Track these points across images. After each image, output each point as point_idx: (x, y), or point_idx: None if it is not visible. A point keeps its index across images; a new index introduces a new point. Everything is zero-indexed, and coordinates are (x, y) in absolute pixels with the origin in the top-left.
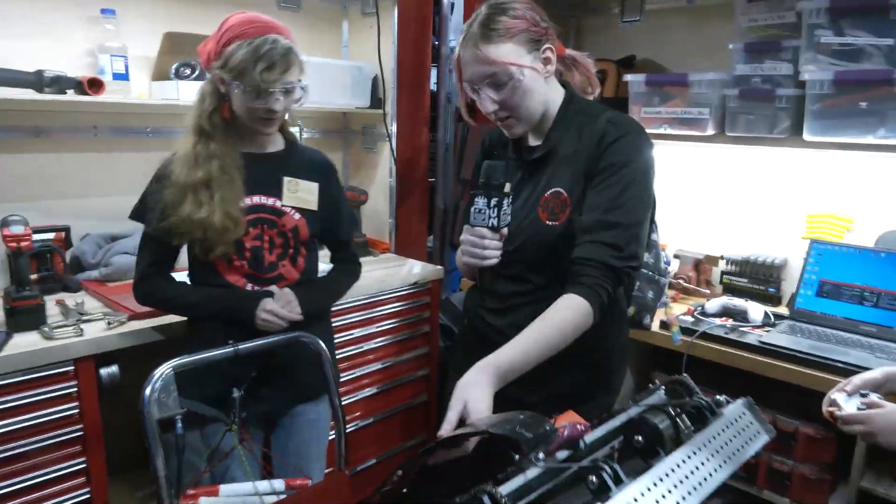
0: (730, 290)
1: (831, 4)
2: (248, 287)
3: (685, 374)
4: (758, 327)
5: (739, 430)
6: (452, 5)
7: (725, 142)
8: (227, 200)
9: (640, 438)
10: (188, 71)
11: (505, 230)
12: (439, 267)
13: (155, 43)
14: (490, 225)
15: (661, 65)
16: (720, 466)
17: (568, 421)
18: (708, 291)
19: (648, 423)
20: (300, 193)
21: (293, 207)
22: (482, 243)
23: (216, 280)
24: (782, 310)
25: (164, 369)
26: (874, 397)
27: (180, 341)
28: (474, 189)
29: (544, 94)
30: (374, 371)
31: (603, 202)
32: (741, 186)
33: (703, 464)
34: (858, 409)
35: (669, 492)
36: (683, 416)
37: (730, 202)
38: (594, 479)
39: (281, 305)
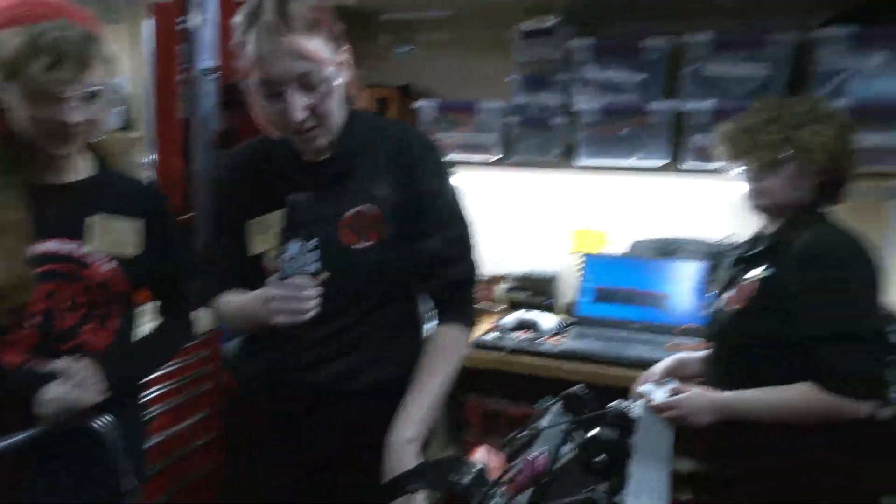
0: (513, 304)
1: (596, 44)
2: (34, 363)
3: (581, 386)
4: (553, 336)
5: (654, 429)
6: (203, 21)
7: (508, 166)
8: (8, 252)
9: (601, 458)
10: None
11: (324, 274)
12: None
13: None
14: (308, 272)
15: (436, 94)
16: (663, 466)
17: (484, 453)
18: (499, 309)
19: (605, 439)
20: (114, 235)
21: (103, 253)
22: (302, 295)
23: None
24: (563, 317)
25: None
26: (675, 384)
27: None
28: (278, 233)
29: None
30: (150, 447)
31: (439, 224)
32: (517, 207)
33: (656, 469)
34: (666, 396)
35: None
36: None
37: (505, 222)
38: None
39: (70, 386)
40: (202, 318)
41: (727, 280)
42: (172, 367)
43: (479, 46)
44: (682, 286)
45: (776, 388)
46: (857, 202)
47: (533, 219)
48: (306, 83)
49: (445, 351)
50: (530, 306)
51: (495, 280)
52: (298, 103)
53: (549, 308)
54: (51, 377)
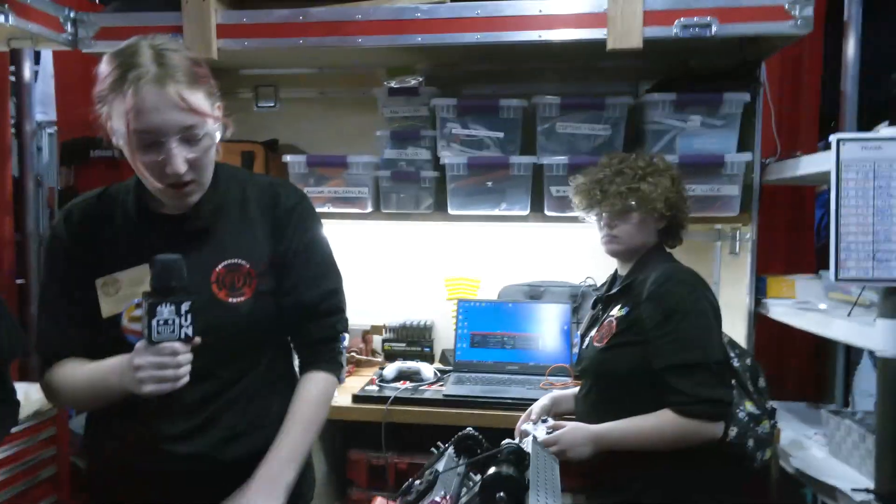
0: (390, 355)
1: (458, 104)
2: None
3: (470, 428)
4: (433, 383)
5: (543, 462)
6: (36, 73)
7: (381, 218)
8: None
9: (502, 495)
10: None
11: (198, 338)
12: None
13: None
14: (182, 336)
15: (302, 149)
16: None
17: None
18: (379, 360)
19: (506, 475)
20: None
21: None
22: (175, 361)
23: None
24: (438, 365)
25: None
26: (551, 421)
27: None
28: (147, 296)
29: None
30: None
31: (312, 277)
32: (392, 258)
33: (552, 500)
34: (547, 432)
35: None
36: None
37: (382, 274)
38: None
39: None
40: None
41: (591, 320)
42: (13, 450)
43: (344, 103)
44: (550, 327)
45: (640, 417)
46: (692, 242)
47: (407, 269)
48: (189, 136)
49: (316, 397)
50: (408, 356)
51: (373, 331)
52: (180, 156)
53: (427, 356)
54: None
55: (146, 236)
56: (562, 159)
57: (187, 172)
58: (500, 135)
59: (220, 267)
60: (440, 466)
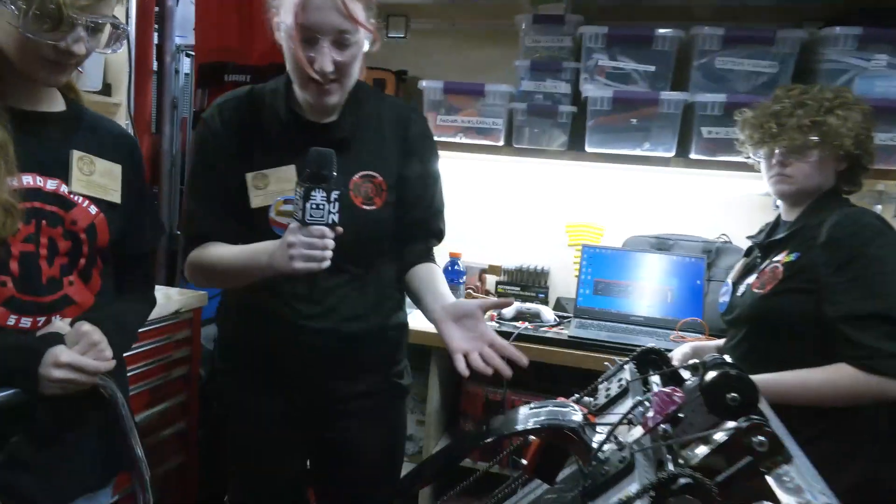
0: (504, 297)
1: (608, 32)
2: (11, 321)
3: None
4: (553, 326)
5: None
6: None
7: (512, 154)
8: None
9: (735, 395)
10: None
11: (340, 228)
12: (202, 291)
13: None
14: (330, 222)
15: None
16: None
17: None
18: (495, 299)
19: (734, 375)
20: (96, 177)
21: (87, 197)
22: (323, 243)
23: None
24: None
25: None
26: None
27: None
28: (303, 181)
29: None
30: None
31: (429, 198)
32: (514, 199)
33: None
34: None
35: None
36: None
37: (502, 214)
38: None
39: (82, 351)
40: (186, 297)
41: (745, 267)
42: (148, 346)
43: (475, 35)
44: (681, 281)
45: (805, 370)
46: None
47: (528, 211)
48: (341, 40)
49: (439, 273)
50: (522, 300)
51: (494, 270)
52: (329, 55)
53: (541, 303)
54: (55, 339)
55: (293, 139)
56: (718, 97)
57: (333, 73)
58: (651, 68)
59: (357, 176)
60: (624, 378)
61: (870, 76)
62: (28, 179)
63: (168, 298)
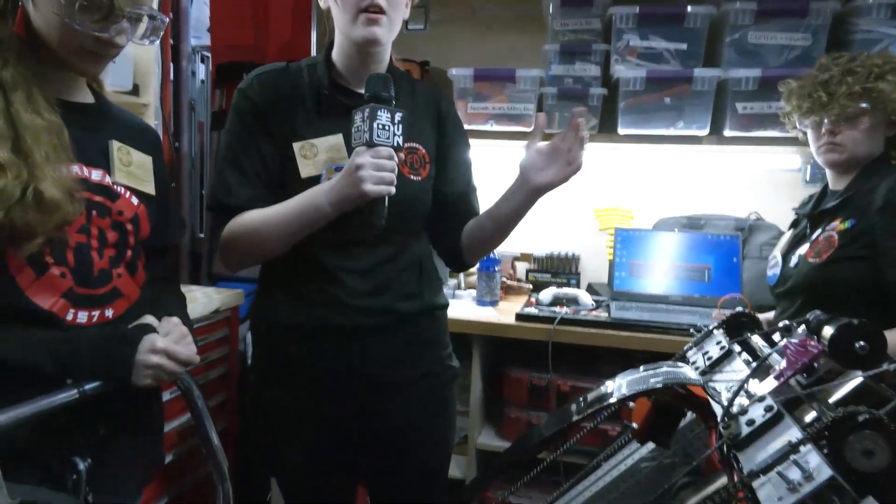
0: (535, 285)
1: (640, 12)
2: (70, 316)
3: (739, 308)
4: (593, 310)
5: None
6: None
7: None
8: (51, 157)
9: (864, 343)
10: None
11: (402, 153)
12: (238, 290)
13: None
14: (395, 144)
15: None
16: None
17: None
18: (527, 287)
19: (858, 324)
20: (134, 168)
21: (128, 188)
22: (391, 165)
23: (14, 303)
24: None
25: None
26: None
27: None
28: (372, 101)
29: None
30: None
31: (463, 176)
32: None
33: None
34: None
35: None
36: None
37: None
38: None
39: (174, 341)
40: (224, 296)
41: (794, 238)
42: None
43: (497, 22)
44: (717, 259)
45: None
46: None
47: (555, 196)
48: None
49: None
50: (554, 286)
51: (525, 258)
52: None
53: (575, 287)
54: (148, 329)
55: (336, 108)
56: (753, 72)
57: (383, 5)
58: (683, 46)
59: (405, 146)
60: (721, 341)
61: None
62: (75, 169)
63: (208, 297)
